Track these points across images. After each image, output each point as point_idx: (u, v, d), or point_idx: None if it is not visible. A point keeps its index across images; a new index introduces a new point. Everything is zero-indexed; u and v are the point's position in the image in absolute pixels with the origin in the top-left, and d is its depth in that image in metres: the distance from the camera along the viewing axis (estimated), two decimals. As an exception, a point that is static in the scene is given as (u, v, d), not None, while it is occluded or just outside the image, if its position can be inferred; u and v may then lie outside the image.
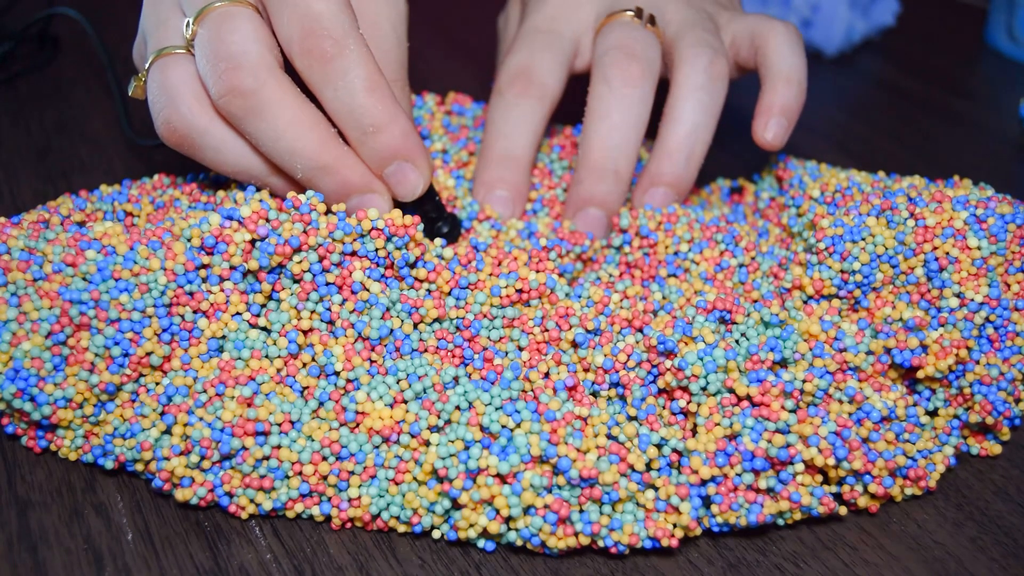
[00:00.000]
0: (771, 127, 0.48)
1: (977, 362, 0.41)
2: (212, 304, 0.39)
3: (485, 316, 0.41)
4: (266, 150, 0.41)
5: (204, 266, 0.39)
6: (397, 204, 0.43)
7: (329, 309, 0.40)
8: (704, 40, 0.49)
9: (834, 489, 0.39)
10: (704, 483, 0.37)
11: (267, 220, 0.39)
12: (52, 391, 0.38)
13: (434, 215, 0.45)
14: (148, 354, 0.38)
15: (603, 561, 0.38)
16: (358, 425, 0.38)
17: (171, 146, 0.42)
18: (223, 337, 0.40)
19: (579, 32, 0.52)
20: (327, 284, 0.40)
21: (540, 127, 0.50)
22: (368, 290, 0.40)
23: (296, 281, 0.40)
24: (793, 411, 0.38)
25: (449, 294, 0.41)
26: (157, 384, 0.39)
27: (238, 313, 0.40)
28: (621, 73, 0.48)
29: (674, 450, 0.38)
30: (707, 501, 0.38)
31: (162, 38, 0.42)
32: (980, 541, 0.39)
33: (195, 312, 0.39)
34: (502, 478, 0.35)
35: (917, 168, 0.65)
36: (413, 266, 0.41)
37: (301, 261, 0.39)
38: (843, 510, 0.39)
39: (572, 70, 0.52)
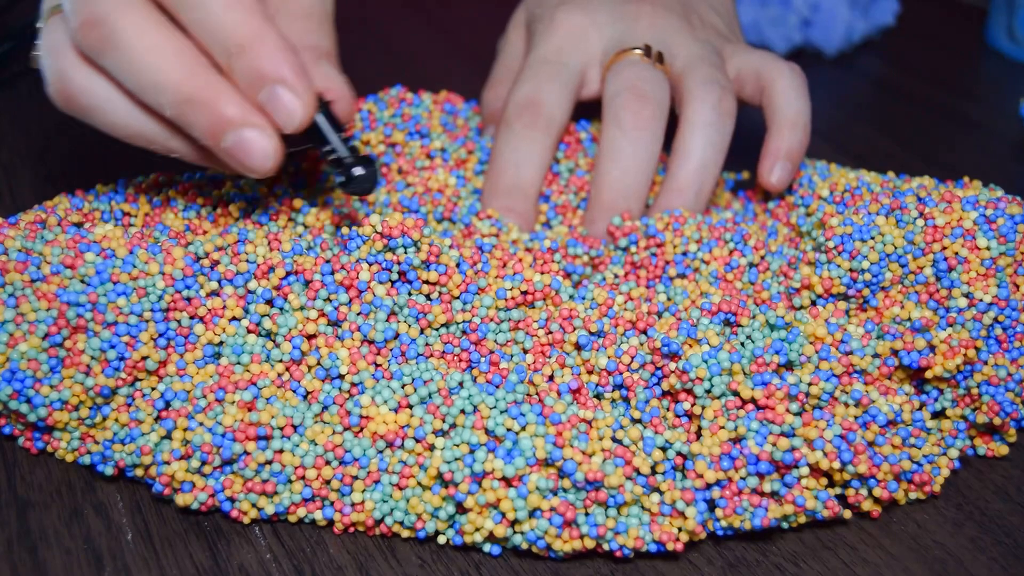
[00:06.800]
0: (776, 171, 0.50)
1: (985, 363, 0.41)
2: (209, 310, 0.39)
3: (492, 320, 0.41)
4: (131, 87, 0.37)
5: (211, 264, 0.39)
6: (296, 148, 0.39)
7: (336, 309, 0.39)
8: (712, 77, 0.50)
9: (838, 491, 0.39)
10: (709, 487, 0.37)
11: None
12: (48, 393, 0.37)
13: (336, 155, 0.40)
14: (144, 358, 0.38)
15: (603, 562, 0.37)
16: (362, 429, 0.38)
17: (67, 112, 0.39)
18: (220, 343, 0.39)
19: (586, 63, 0.53)
20: (336, 284, 0.40)
21: (547, 158, 0.50)
22: (373, 292, 0.40)
23: (307, 283, 0.40)
24: (798, 414, 0.38)
25: (457, 298, 0.41)
26: (153, 389, 0.39)
27: (235, 319, 0.40)
28: (632, 116, 0.49)
29: (679, 453, 0.38)
30: (711, 504, 0.38)
31: None
32: (980, 541, 0.39)
33: (192, 318, 0.39)
34: (507, 481, 0.35)
35: (917, 168, 0.65)
36: (425, 268, 0.41)
37: (307, 259, 0.39)
38: (847, 513, 0.38)
39: (578, 99, 0.53)
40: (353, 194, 0.41)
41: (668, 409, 0.40)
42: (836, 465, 0.37)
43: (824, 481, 0.38)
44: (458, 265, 0.41)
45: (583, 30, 0.53)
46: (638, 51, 0.52)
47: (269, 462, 0.37)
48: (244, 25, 0.36)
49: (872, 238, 0.42)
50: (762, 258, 0.46)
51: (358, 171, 0.40)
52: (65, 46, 0.38)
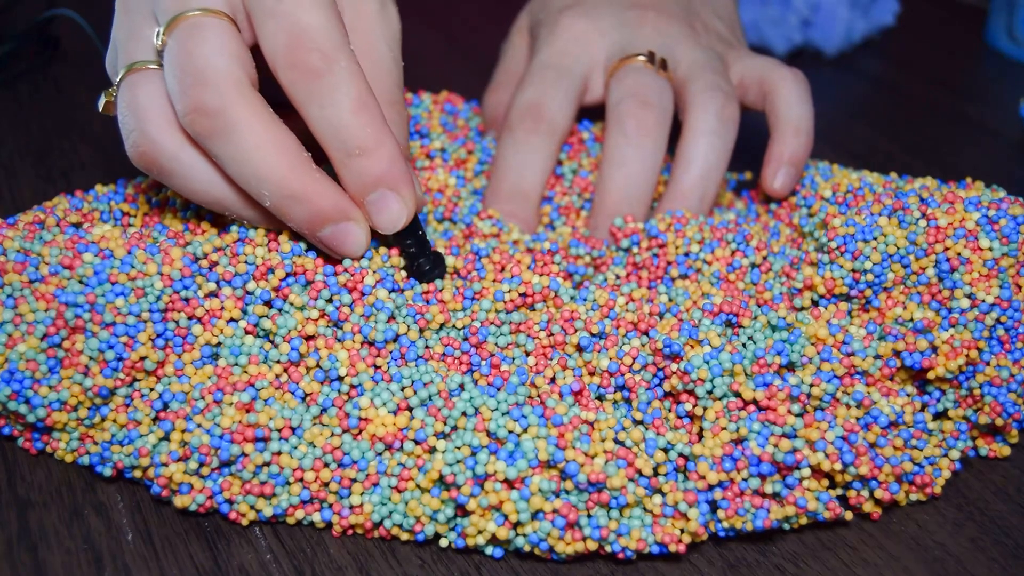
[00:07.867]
0: (779, 177, 0.50)
1: (987, 363, 0.40)
2: (208, 310, 0.39)
3: (492, 323, 0.41)
4: (233, 175, 0.38)
5: (210, 265, 0.39)
6: (375, 236, 0.41)
7: (338, 310, 0.39)
8: (715, 84, 0.50)
9: (839, 493, 0.39)
10: (711, 488, 0.37)
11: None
12: (47, 393, 0.37)
13: (414, 250, 0.42)
14: (142, 359, 0.38)
15: (604, 563, 0.37)
16: (361, 432, 0.38)
17: (141, 170, 0.39)
18: (218, 344, 0.39)
19: (589, 68, 0.53)
20: (338, 286, 0.40)
21: (550, 163, 0.50)
22: (376, 295, 0.40)
23: (308, 283, 0.40)
24: (800, 415, 0.38)
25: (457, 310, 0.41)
26: (151, 390, 0.39)
27: (233, 320, 0.39)
28: (636, 123, 0.49)
29: (680, 455, 0.38)
30: (713, 506, 0.38)
31: (133, 51, 0.39)
32: (980, 541, 0.39)
33: (190, 318, 0.39)
34: (510, 483, 0.35)
35: (917, 168, 0.65)
36: (422, 302, 0.41)
37: (307, 259, 0.39)
38: (849, 515, 0.38)
39: (581, 105, 0.53)
40: (419, 282, 0.42)
41: (670, 410, 0.40)
42: (838, 467, 0.37)
43: (825, 482, 0.38)
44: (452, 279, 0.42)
45: (587, 36, 0.53)
46: (641, 57, 0.52)
47: (267, 464, 0.37)
48: (368, 129, 0.38)
49: (874, 239, 0.42)
50: (764, 259, 0.46)
51: (427, 267, 0.42)
52: (155, 110, 0.38)
